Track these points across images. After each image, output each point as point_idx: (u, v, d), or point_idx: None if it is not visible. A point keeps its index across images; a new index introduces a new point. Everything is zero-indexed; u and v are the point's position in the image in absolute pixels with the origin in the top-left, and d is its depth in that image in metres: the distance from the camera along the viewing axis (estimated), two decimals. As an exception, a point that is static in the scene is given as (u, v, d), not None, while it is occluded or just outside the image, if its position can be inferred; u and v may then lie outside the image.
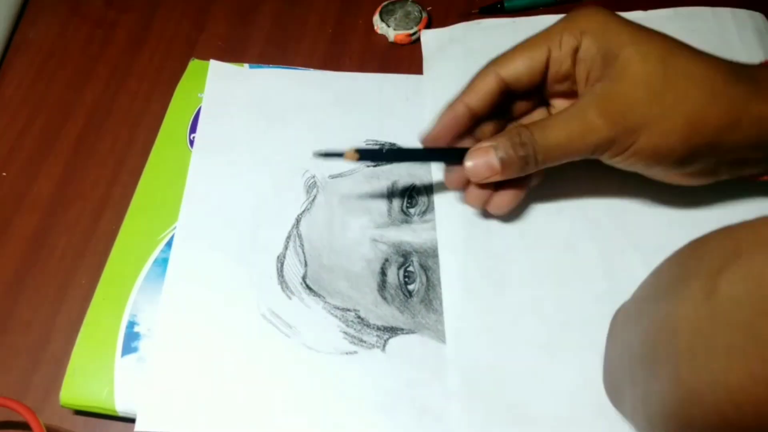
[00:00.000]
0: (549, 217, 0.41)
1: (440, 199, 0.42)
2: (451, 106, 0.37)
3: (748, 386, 0.23)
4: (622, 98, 0.33)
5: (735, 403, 0.23)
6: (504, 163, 0.35)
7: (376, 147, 0.38)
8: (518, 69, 0.36)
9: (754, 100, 0.32)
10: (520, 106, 0.39)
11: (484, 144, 0.36)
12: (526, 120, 0.39)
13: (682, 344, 0.25)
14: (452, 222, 0.41)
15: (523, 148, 0.35)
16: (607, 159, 0.35)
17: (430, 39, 0.51)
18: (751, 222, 0.24)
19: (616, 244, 0.40)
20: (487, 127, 0.39)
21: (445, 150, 0.39)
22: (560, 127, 0.34)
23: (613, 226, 0.41)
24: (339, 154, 0.37)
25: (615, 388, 0.33)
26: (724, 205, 0.41)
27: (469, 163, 0.36)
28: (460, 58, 0.49)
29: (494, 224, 0.41)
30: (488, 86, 0.36)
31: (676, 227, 0.41)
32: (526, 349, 0.37)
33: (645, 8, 0.52)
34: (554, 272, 0.39)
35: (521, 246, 0.40)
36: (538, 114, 0.40)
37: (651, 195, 0.42)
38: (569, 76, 0.36)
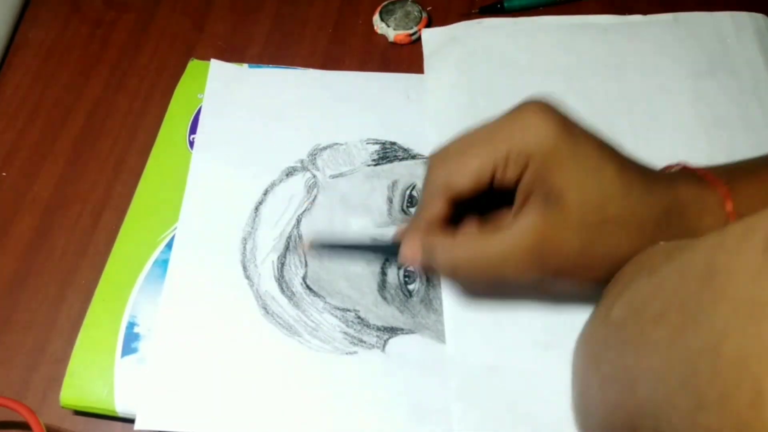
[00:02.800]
0: None
1: None
2: (413, 222, 0.37)
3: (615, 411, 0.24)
4: (557, 246, 0.33)
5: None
6: (425, 269, 0.37)
7: (332, 242, 0.39)
8: (464, 186, 0.34)
9: (678, 234, 0.33)
10: None
11: (417, 244, 0.36)
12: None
13: (582, 361, 0.27)
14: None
15: (443, 268, 0.35)
16: (525, 285, 0.36)
17: (431, 37, 0.51)
18: (648, 249, 0.25)
19: None
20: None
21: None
22: (491, 260, 0.34)
23: None
24: (296, 246, 0.40)
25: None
26: None
27: (402, 255, 0.36)
28: (461, 57, 0.49)
29: None
30: (441, 203, 0.35)
31: None
32: (526, 348, 0.37)
33: (644, 11, 0.52)
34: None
35: None
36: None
37: None
38: (509, 190, 0.35)
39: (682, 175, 0.36)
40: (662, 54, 0.48)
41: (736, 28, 0.49)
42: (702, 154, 0.43)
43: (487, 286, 0.37)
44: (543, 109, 0.33)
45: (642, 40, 0.50)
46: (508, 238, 0.33)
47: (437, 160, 0.36)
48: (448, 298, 0.39)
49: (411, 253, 0.36)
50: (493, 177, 0.34)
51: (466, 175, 0.34)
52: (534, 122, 0.33)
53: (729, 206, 0.33)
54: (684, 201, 0.34)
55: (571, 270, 0.33)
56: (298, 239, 0.41)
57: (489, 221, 0.36)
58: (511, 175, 0.34)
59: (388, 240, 0.39)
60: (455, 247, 0.34)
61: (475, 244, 0.34)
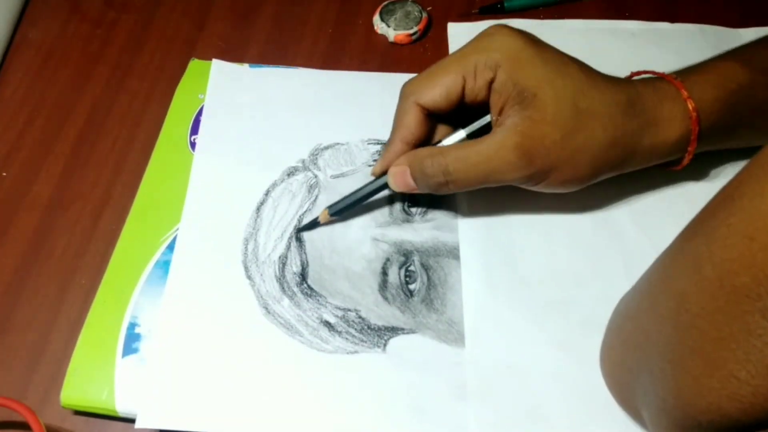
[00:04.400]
0: (571, 218, 0.42)
1: (463, 199, 0.42)
2: (388, 145, 0.39)
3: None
4: (540, 140, 0.35)
5: None
6: (418, 185, 0.38)
7: (346, 203, 0.40)
8: (434, 98, 0.37)
9: (646, 132, 0.37)
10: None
11: (401, 163, 0.38)
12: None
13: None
14: (474, 221, 0.41)
15: (435, 177, 0.37)
16: (517, 185, 0.38)
17: (459, 32, 0.51)
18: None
19: (637, 247, 0.41)
20: (443, 129, 0.40)
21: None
22: (481, 163, 0.36)
23: (635, 229, 0.41)
24: (315, 222, 0.41)
25: (621, 376, 0.34)
26: None
27: (390, 182, 0.39)
28: None
29: (516, 224, 0.41)
30: (414, 118, 0.38)
31: None
32: (545, 349, 0.37)
33: (643, 12, 0.52)
34: (575, 273, 0.40)
35: (542, 246, 0.41)
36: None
37: (674, 199, 0.42)
38: (485, 104, 0.38)
39: (639, 77, 0.40)
40: (688, 63, 0.48)
41: None
42: (725, 155, 0.44)
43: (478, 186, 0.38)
44: (506, 27, 0.37)
45: (668, 47, 0.50)
46: (494, 139, 0.36)
47: (407, 85, 0.38)
48: (468, 296, 0.39)
49: (399, 173, 0.38)
50: (463, 89, 0.37)
51: (435, 88, 0.37)
52: (498, 36, 0.36)
53: (684, 93, 0.37)
54: (643, 92, 0.37)
55: (555, 164, 0.36)
56: (299, 238, 0.41)
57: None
58: (481, 82, 0.36)
59: (381, 180, 0.40)
60: (445, 154, 0.37)
61: (464, 149, 0.37)
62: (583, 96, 0.36)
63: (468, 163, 0.36)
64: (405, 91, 0.38)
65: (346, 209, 0.40)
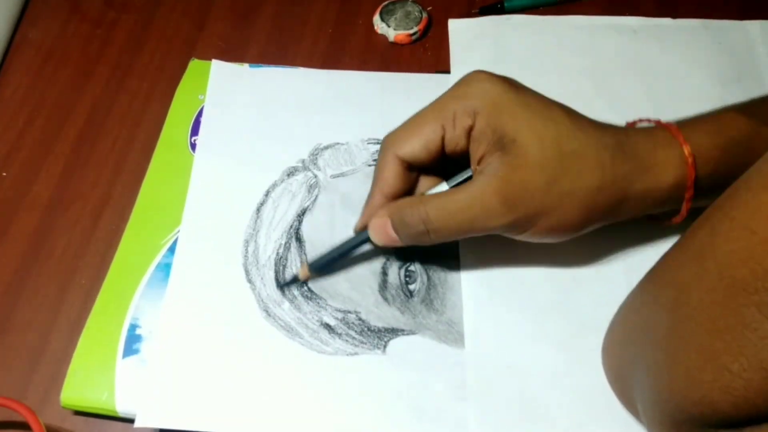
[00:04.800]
0: None
1: None
2: (369, 199, 0.38)
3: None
4: (522, 185, 0.34)
5: None
6: (400, 236, 0.36)
7: (326, 259, 0.39)
8: (413, 150, 0.36)
9: (638, 177, 0.35)
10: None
11: (381, 215, 0.37)
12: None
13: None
14: None
15: (416, 228, 0.35)
16: (502, 233, 0.36)
17: (459, 28, 0.51)
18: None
19: (638, 247, 0.40)
20: (427, 182, 0.39)
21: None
22: (461, 211, 0.35)
23: (635, 230, 0.41)
24: (295, 278, 0.39)
25: (620, 369, 0.34)
26: None
27: (372, 235, 0.37)
28: (488, 52, 0.49)
29: None
30: (393, 171, 0.37)
31: None
32: (545, 349, 0.37)
33: (643, 10, 0.52)
34: (574, 274, 0.40)
35: (542, 247, 0.40)
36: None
37: None
38: (464, 152, 0.37)
39: (631, 126, 0.38)
40: (691, 59, 0.48)
41: (764, 36, 0.50)
42: None
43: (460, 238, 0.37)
44: (485, 73, 0.36)
45: (671, 44, 0.50)
46: (474, 186, 0.34)
47: (387, 138, 0.37)
48: (468, 297, 0.39)
49: (380, 224, 0.37)
50: (443, 140, 0.35)
51: (413, 140, 0.36)
52: (476, 82, 0.35)
53: (680, 137, 0.35)
54: (635, 137, 0.36)
55: (540, 210, 0.34)
56: (299, 239, 0.40)
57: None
58: (459, 130, 0.35)
59: (362, 235, 0.38)
60: (424, 204, 0.35)
61: (445, 197, 0.35)
62: (567, 139, 0.34)
63: (448, 212, 0.35)
64: (384, 144, 0.37)
65: (327, 265, 0.39)
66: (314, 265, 0.38)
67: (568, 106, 0.36)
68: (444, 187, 0.37)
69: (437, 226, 0.35)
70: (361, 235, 0.38)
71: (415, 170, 0.38)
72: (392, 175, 0.37)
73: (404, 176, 0.37)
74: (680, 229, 0.40)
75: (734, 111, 0.37)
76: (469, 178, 0.36)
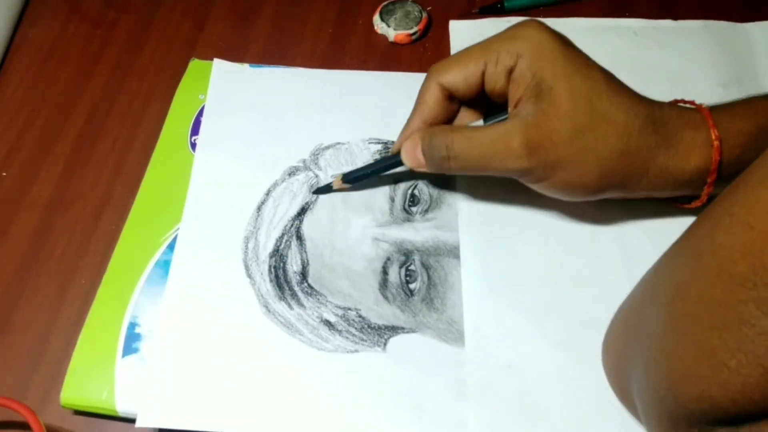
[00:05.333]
0: (571, 218, 0.42)
1: (463, 199, 0.42)
2: (409, 121, 0.40)
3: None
4: (548, 133, 0.34)
5: None
6: (426, 160, 0.38)
7: (361, 173, 0.41)
8: (456, 80, 0.37)
9: (662, 152, 0.35)
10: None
11: (414, 137, 0.38)
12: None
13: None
14: (474, 220, 0.41)
15: (439, 152, 0.37)
16: (521, 181, 0.37)
17: (460, 30, 0.51)
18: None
19: (638, 247, 0.40)
20: (467, 116, 0.40)
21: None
22: (484, 145, 0.36)
23: (635, 229, 0.41)
24: (329, 186, 0.42)
25: (620, 367, 0.34)
26: None
27: (403, 156, 0.39)
28: None
29: (516, 223, 0.41)
30: (434, 97, 0.38)
31: None
32: (545, 349, 0.37)
33: (643, 12, 0.52)
34: (575, 273, 0.40)
35: (542, 246, 0.41)
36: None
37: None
38: (503, 93, 0.37)
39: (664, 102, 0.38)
40: (691, 60, 0.48)
41: (765, 38, 0.50)
42: None
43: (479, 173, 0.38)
44: (537, 22, 0.37)
45: (672, 45, 0.50)
46: (503, 126, 0.35)
47: (433, 66, 0.38)
48: (468, 296, 0.39)
49: (410, 146, 0.38)
50: (483, 75, 0.37)
51: (456, 69, 0.37)
52: (527, 28, 0.36)
53: (710, 121, 0.35)
54: (668, 113, 0.36)
55: (559, 162, 0.35)
56: (299, 237, 0.41)
57: None
58: (500, 68, 0.36)
59: (397, 156, 0.40)
60: (452, 132, 0.37)
61: (473, 130, 0.36)
62: (601, 98, 0.35)
63: (472, 143, 0.36)
64: (430, 71, 0.38)
65: (359, 179, 0.41)
66: (348, 177, 0.41)
67: (611, 72, 0.37)
68: (480, 123, 0.38)
69: (457, 153, 0.36)
70: (395, 156, 0.40)
71: (455, 102, 0.39)
72: (432, 101, 0.38)
73: (443, 104, 0.38)
74: (689, 219, 0.41)
75: (765, 99, 0.37)
76: (504, 119, 0.37)
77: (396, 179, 0.43)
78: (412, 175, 0.42)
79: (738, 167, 0.35)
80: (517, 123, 0.35)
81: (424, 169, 0.39)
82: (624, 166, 0.35)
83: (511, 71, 0.36)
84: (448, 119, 0.39)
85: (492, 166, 0.36)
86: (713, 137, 0.35)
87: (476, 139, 0.36)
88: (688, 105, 0.38)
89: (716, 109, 0.36)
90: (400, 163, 0.40)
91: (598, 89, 0.35)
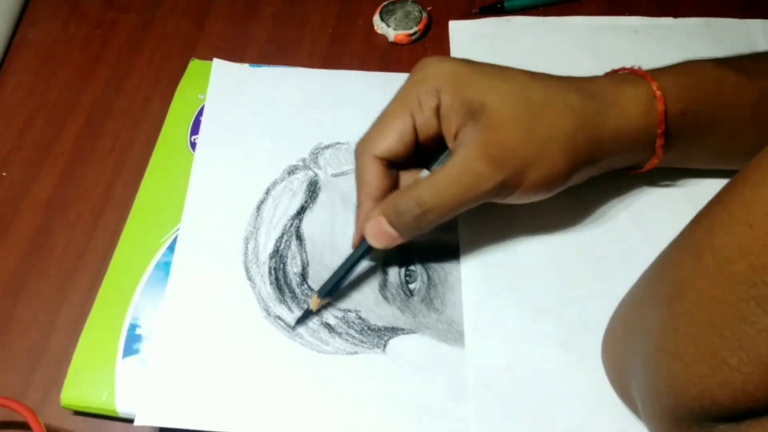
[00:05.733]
0: (571, 218, 0.42)
1: None
2: (360, 208, 0.38)
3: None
4: (502, 143, 0.34)
5: None
6: (399, 230, 0.36)
7: (333, 282, 0.38)
8: (389, 145, 0.36)
9: (609, 114, 0.36)
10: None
11: (374, 216, 0.36)
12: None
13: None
14: (474, 221, 0.41)
15: (412, 213, 0.35)
16: (498, 200, 0.37)
17: (460, 30, 0.51)
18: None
19: (637, 247, 0.40)
20: (407, 177, 0.39)
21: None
22: (452, 183, 0.35)
23: (635, 230, 0.41)
24: (309, 311, 0.38)
25: (619, 365, 0.34)
26: None
27: (371, 240, 0.37)
28: (489, 55, 0.48)
29: (516, 224, 0.41)
30: (374, 172, 0.37)
31: None
32: (545, 349, 0.37)
33: (643, 11, 0.52)
34: (575, 273, 0.40)
35: (542, 246, 0.41)
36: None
37: (674, 201, 0.42)
38: (437, 135, 0.37)
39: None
40: (692, 58, 0.48)
41: (766, 34, 0.50)
42: None
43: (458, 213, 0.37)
44: (436, 57, 0.37)
45: (672, 43, 0.50)
46: (458, 157, 0.35)
47: (360, 144, 0.38)
48: (468, 297, 0.39)
49: (375, 224, 0.36)
50: (415, 128, 0.36)
51: (387, 136, 0.36)
52: (430, 65, 0.36)
53: (647, 76, 0.36)
54: (601, 82, 0.37)
55: (526, 163, 0.35)
56: (299, 237, 0.40)
57: None
58: (428, 112, 0.36)
59: (362, 246, 0.38)
60: (413, 189, 0.35)
61: (432, 176, 0.36)
62: (532, 91, 0.35)
63: (439, 187, 0.35)
64: (359, 149, 0.37)
65: (334, 288, 0.38)
66: (322, 292, 0.38)
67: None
68: (426, 173, 0.37)
69: (432, 204, 0.35)
70: (360, 247, 0.38)
71: (394, 168, 0.38)
72: (375, 177, 0.37)
73: (386, 175, 0.37)
74: (689, 219, 0.41)
75: (700, 60, 0.38)
76: (448, 155, 0.36)
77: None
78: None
79: (684, 122, 0.36)
80: (471, 148, 0.34)
81: (397, 242, 0.36)
82: (582, 140, 0.35)
83: (438, 109, 0.36)
84: (392, 189, 0.38)
85: (468, 198, 0.35)
86: (654, 88, 0.36)
87: (441, 182, 0.35)
88: (621, 71, 0.39)
89: (652, 70, 0.38)
90: (369, 251, 0.37)
91: (525, 84, 0.35)
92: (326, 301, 0.38)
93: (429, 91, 0.35)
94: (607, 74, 0.39)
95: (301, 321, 0.38)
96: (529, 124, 0.34)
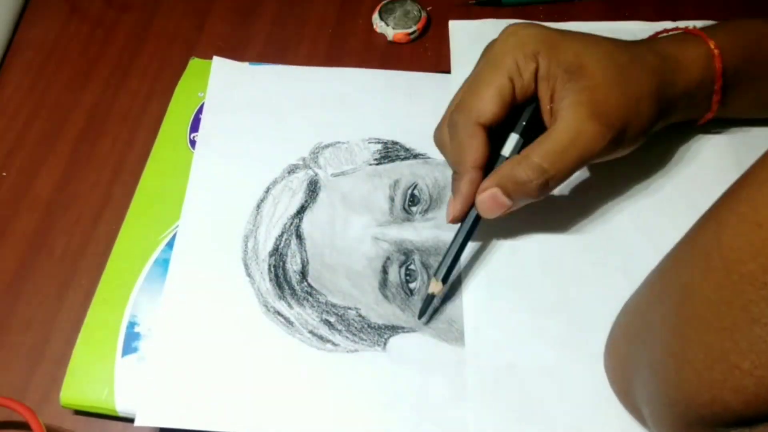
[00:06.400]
0: (571, 218, 0.42)
1: None
2: (463, 177, 0.37)
3: None
4: (606, 102, 0.36)
5: None
6: (515, 199, 0.36)
7: (448, 263, 0.37)
8: (495, 112, 0.36)
9: (678, 75, 0.38)
10: None
11: (486, 187, 0.36)
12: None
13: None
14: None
15: (535, 181, 0.36)
16: (605, 157, 0.37)
17: (460, 29, 0.50)
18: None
19: (637, 247, 0.40)
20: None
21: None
22: (568, 146, 0.35)
23: (636, 230, 0.41)
24: (431, 296, 0.37)
25: (624, 372, 0.34)
26: None
27: (483, 210, 0.37)
28: None
29: (517, 225, 0.41)
30: (480, 140, 0.36)
31: None
32: (545, 349, 0.37)
33: (640, 8, 0.52)
34: (575, 273, 0.40)
35: (542, 246, 0.41)
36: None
37: (675, 200, 0.42)
38: (533, 97, 0.38)
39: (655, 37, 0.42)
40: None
41: None
42: (728, 154, 0.44)
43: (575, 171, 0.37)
44: (521, 23, 0.38)
45: None
46: (567, 120, 0.36)
47: (459, 110, 0.37)
48: (469, 297, 0.39)
49: (490, 197, 0.36)
50: (514, 91, 0.37)
51: (490, 101, 0.36)
52: (521, 30, 0.37)
53: (704, 36, 0.39)
54: (663, 42, 0.40)
55: (627, 119, 0.36)
56: (299, 236, 0.40)
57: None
58: (527, 75, 0.37)
59: (470, 218, 0.38)
60: (531, 156, 0.36)
61: (545, 144, 0.36)
62: (617, 54, 0.37)
63: (558, 154, 0.35)
64: (459, 119, 0.37)
65: (450, 270, 0.37)
66: (439, 275, 0.37)
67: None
68: (515, 137, 0.37)
69: (554, 171, 0.36)
70: (467, 220, 0.37)
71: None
72: (481, 144, 0.36)
73: (488, 141, 0.37)
74: (688, 219, 0.41)
75: (754, 19, 0.41)
76: (534, 111, 0.37)
77: (395, 179, 0.43)
78: (412, 174, 0.43)
79: (739, 77, 0.39)
80: (578, 109, 0.35)
81: (509, 211, 0.37)
82: (662, 96, 0.37)
83: (536, 72, 0.37)
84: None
85: (585, 159, 0.36)
86: (712, 47, 0.38)
87: (559, 148, 0.35)
88: (675, 32, 0.41)
89: (706, 29, 0.40)
90: (477, 225, 0.38)
91: (610, 49, 0.37)
92: (446, 285, 0.38)
93: (528, 54, 0.36)
94: (662, 34, 0.42)
95: (425, 308, 0.38)
96: (623, 83, 0.36)
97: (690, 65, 0.38)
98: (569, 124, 0.35)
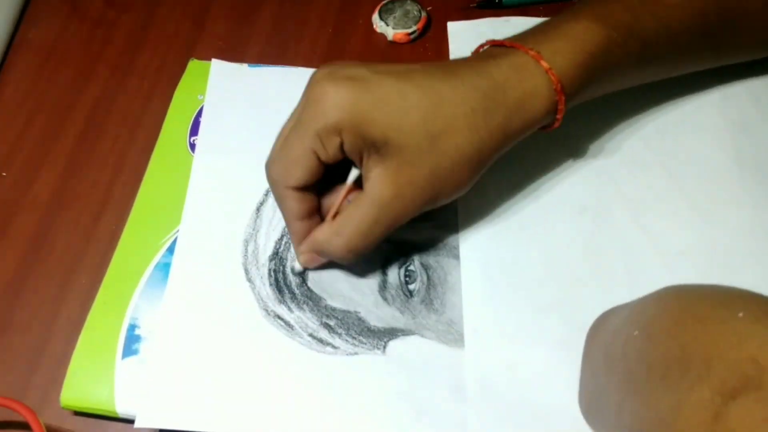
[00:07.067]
0: (571, 218, 0.42)
1: (462, 199, 0.42)
2: (289, 229, 0.38)
3: None
4: (413, 181, 0.35)
5: None
6: (330, 258, 0.37)
7: None
8: (300, 179, 0.36)
9: (514, 118, 0.36)
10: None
11: (304, 251, 0.38)
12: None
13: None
14: (474, 220, 0.41)
15: (336, 249, 0.36)
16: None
17: (459, 31, 0.50)
18: None
19: (637, 247, 0.40)
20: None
21: None
22: (374, 225, 0.35)
23: (635, 229, 0.41)
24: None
25: (593, 402, 0.34)
26: (745, 218, 0.42)
27: (302, 263, 0.39)
28: None
29: (516, 225, 0.41)
30: (293, 199, 0.36)
31: (698, 233, 0.41)
32: (545, 349, 0.37)
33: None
34: (575, 273, 0.40)
35: (542, 246, 0.41)
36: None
37: (675, 200, 0.42)
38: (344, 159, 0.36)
39: (491, 54, 0.37)
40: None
41: None
42: (727, 156, 0.44)
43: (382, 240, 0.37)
44: (329, 82, 0.34)
45: None
46: (371, 197, 0.35)
47: (270, 171, 0.37)
48: (468, 297, 0.39)
49: (306, 258, 0.38)
50: (320, 160, 0.35)
51: (294, 168, 0.36)
52: (328, 96, 0.34)
53: (544, 65, 0.36)
54: (501, 77, 0.36)
55: (439, 189, 0.36)
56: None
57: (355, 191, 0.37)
58: (332, 150, 0.35)
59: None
60: (338, 230, 0.36)
61: (350, 220, 0.36)
62: (433, 121, 0.34)
63: (365, 233, 0.35)
64: (271, 177, 0.37)
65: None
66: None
67: (420, 65, 0.36)
68: (355, 173, 0.37)
69: (362, 247, 0.36)
70: None
71: (310, 188, 0.37)
72: (295, 203, 0.36)
73: (305, 198, 0.37)
74: (689, 218, 0.41)
75: (586, 20, 0.38)
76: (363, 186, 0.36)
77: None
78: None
79: (579, 93, 0.38)
80: (383, 188, 0.35)
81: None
82: (488, 151, 0.36)
83: (341, 146, 0.35)
84: (316, 203, 0.38)
85: (389, 230, 0.36)
86: (554, 81, 0.36)
87: (364, 227, 0.35)
88: (507, 43, 0.38)
89: (542, 47, 0.37)
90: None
91: (424, 113, 0.34)
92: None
93: (330, 130, 0.34)
94: (496, 56, 0.37)
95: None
96: (433, 158, 0.35)
97: (530, 102, 0.36)
98: (374, 199, 0.35)
